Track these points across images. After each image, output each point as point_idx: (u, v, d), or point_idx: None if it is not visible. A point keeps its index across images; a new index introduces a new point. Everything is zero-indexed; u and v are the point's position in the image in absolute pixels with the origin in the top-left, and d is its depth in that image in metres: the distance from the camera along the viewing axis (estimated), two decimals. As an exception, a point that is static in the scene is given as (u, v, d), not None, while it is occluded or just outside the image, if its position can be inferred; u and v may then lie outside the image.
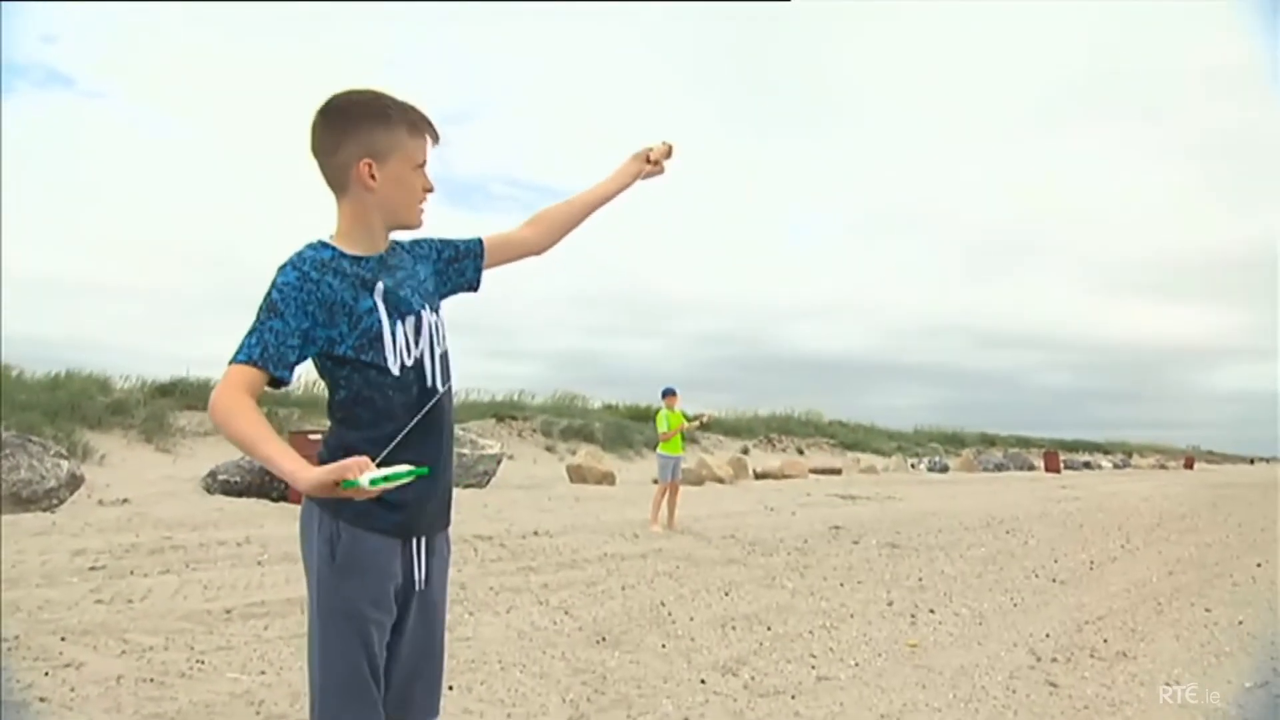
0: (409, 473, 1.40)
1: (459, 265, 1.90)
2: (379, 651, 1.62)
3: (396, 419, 1.63)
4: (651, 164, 2.15)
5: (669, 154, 2.18)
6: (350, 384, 1.64)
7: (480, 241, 1.94)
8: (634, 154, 2.15)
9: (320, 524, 1.60)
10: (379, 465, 1.44)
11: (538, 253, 2.06)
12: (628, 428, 22.37)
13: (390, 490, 1.40)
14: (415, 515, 1.67)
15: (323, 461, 1.63)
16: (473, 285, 1.94)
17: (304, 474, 1.40)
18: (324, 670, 1.60)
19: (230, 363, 1.53)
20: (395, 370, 1.65)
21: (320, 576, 1.60)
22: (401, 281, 1.71)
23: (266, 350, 1.53)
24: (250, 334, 1.54)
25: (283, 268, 1.60)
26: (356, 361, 1.62)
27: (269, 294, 1.57)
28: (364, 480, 1.35)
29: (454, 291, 1.90)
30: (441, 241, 1.89)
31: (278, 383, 1.56)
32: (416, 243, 1.84)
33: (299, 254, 1.63)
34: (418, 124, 1.70)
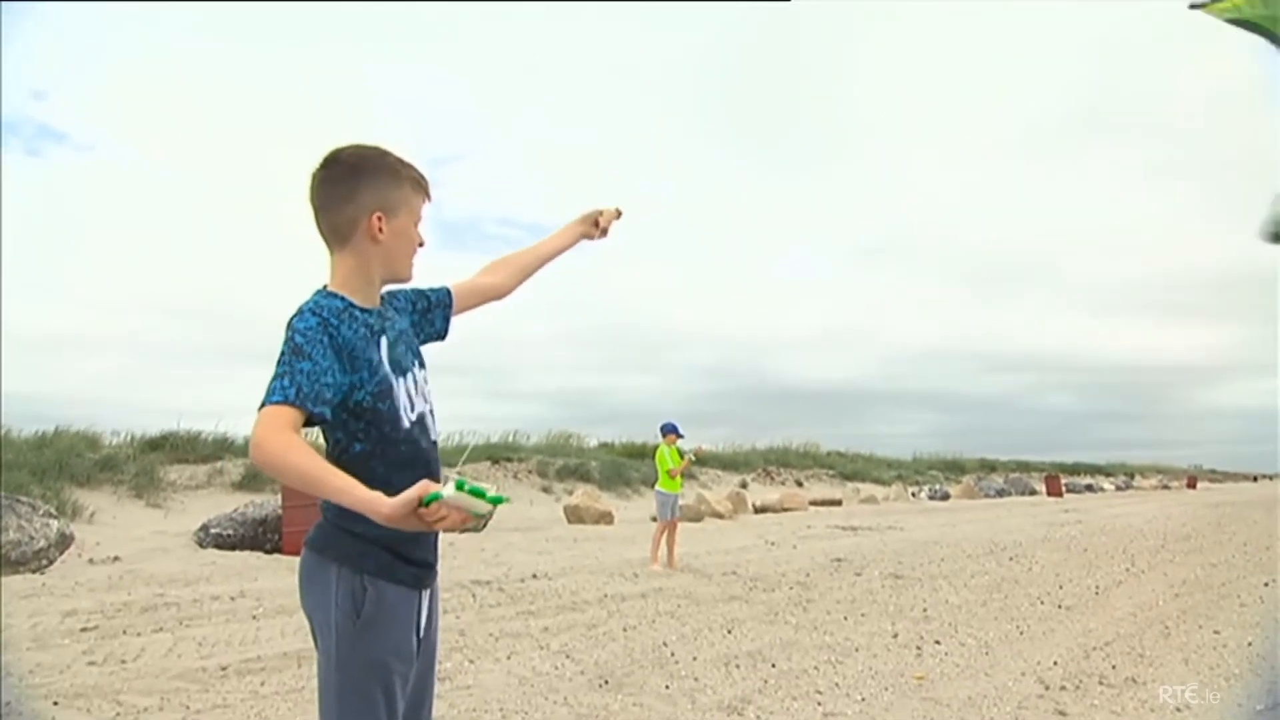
0: (489, 496, 1.34)
1: (430, 316, 1.93)
2: (399, 703, 1.61)
3: (405, 473, 1.61)
4: (600, 231, 2.26)
5: (617, 217, 2.29)
6: (368, 436, 1.62)
7: (448, 291, 1.98)
8: (583, 215, 2.26)
9: (339, 578, 1.58)
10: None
11: (501, 297, 2.12)
12: (624, 466, 22.23)
13: (475, 510, 1.33)
14: (428, 566, 1.70)
15: (328, 516, 1.63)
16: (441, 335, 1.96)
17: (384, 501, 1.34)
18: None
19: (262, 406, 1.47)
20: (406, 423, 1.66)
21: (341, 631, 1.57)
22: (396, 339, 1.73)
23: (301, 390, 1.48)
24: (279, 377, 1.49)
25: (300, 314, 1.58)
26: (374, 411, 1.62)
27: (290, 339, 1.54)
28: (447, 491, 1.30)
29: (425, 341, 1.92)
30: (415, 292, 1.91)
31: (311, 422, 1.52)
32: (393, 294, 1.86)
33: (314, 302, 1.62)
34: (419, 181, 1.75)
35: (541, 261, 2.19)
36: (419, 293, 1.92)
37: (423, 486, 1.32)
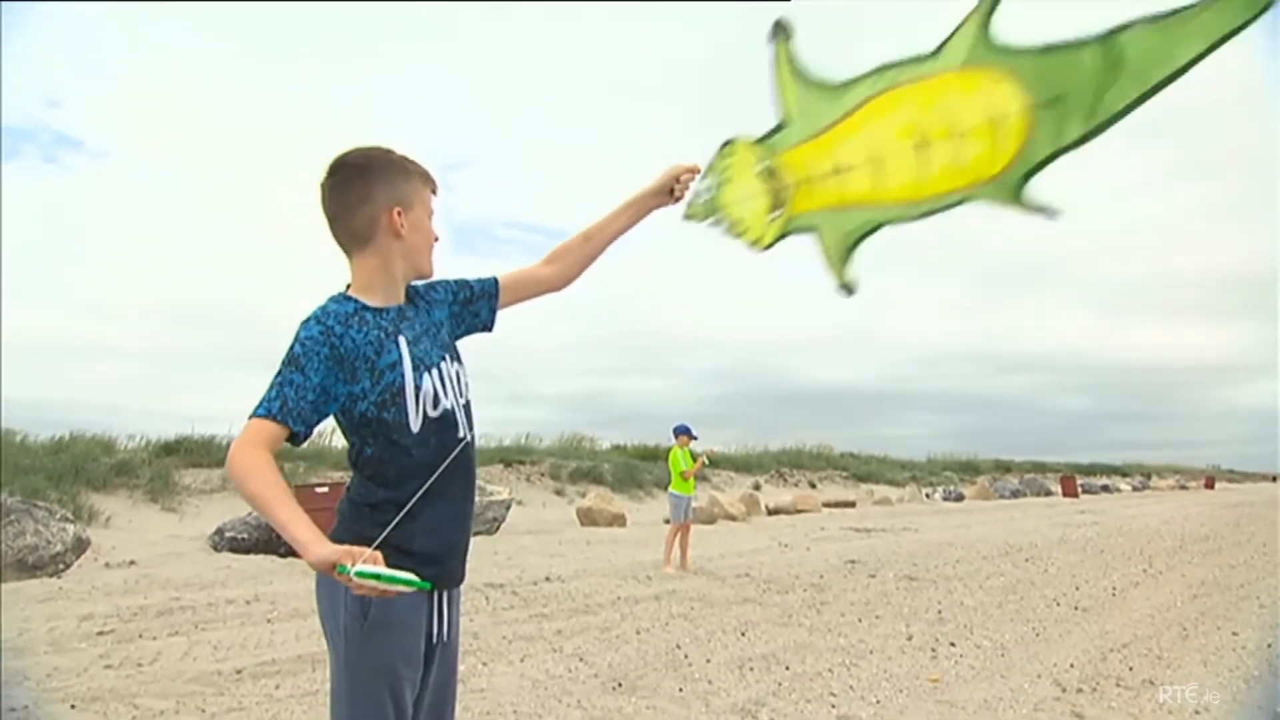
0: (406, 580, 1.37)
1: (474, 307, 1.90)
2: (408, 708, 1.61)
3: (423, 474, 1.63)
4: (674, 198, 2.08)
5: (693, 175, 2.09)
6: (376, 442, 1.63)
7: (495, 281, 1.95)
8: (657, 184, 2.06)
9: None
10: (405, 516, 1.46)
11: (558, 289, 2.05)
12: (637, 468, 22.20)
13: (377, 588, 1.36)
14: (445, 570, 1.68)
15: (341, 513, 1.65)
16: (487, 326, 1.94)
17: (315, 547, 1.39)
18: None
19: (250, 416, 1.53)
20: (416, 427, 1.65)
21: (350, 635, 1.57)
22: (419, 335, 1.72)
23: (286, 404, 1.53)
24: (271, 387, 1.54)
25: (306, 321, 1.60)
26: (379, 420, 1.62)
27: (291, 347, 1.57)
28: (352, 571, 1.33)
29: (469, 333, 1.90)
30: (457, 283, 1.90)
31: (296, 438, 1.55)
32: (432, 286, 1.85)
33: (323, 308, 1.63)
34: (426, 175, 1.76)
35: (607, 244, 2.07)
36: (462, 283, 1.91)
37: (342, 553, 1.35)
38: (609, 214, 2.07)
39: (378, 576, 1.34)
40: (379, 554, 1.37)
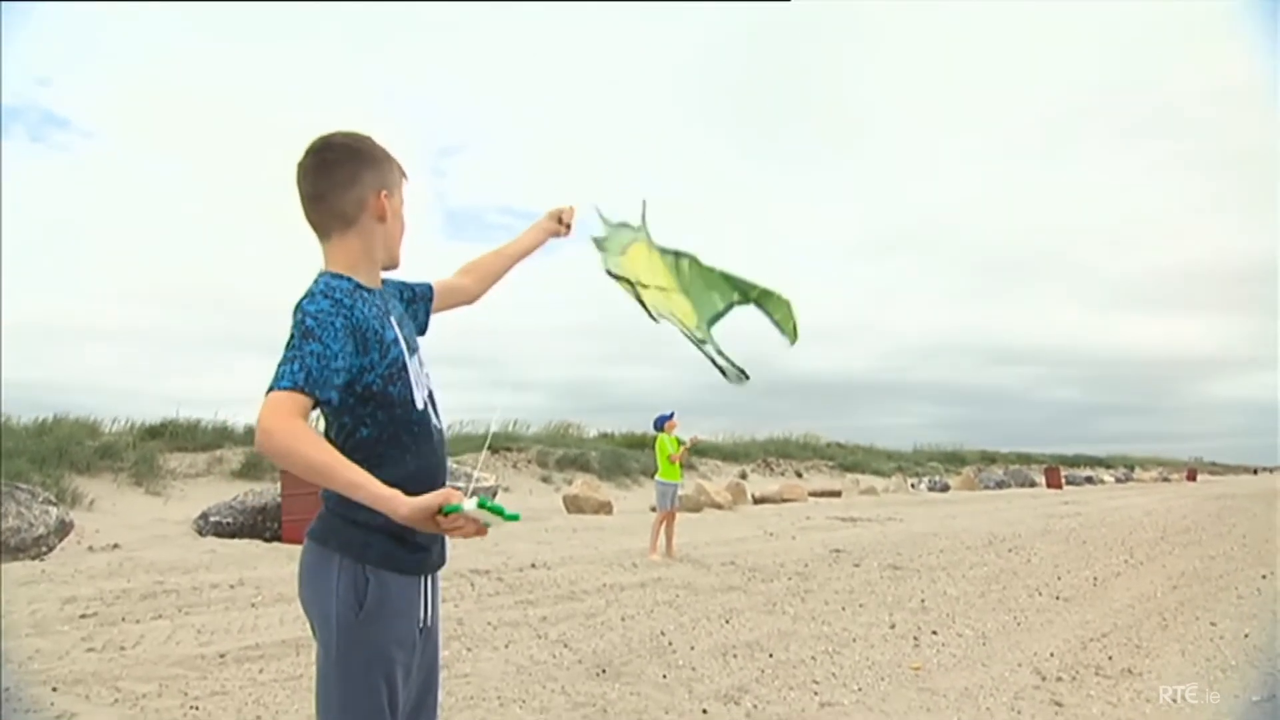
0: (506, 514, 1.35)
1: (415, 308, 1.93)
2: (402, 693, 1.60)
3: (418, 456, 1.62)
4: (564, 226, 2.28)
5: (572, 216, 2.33)
6: (376, 420, 1.60)
7: (431, 287, 1.98)
8: (548, 213, 2.27)
9: (340, 569, 1.56)
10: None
11: (472, 301, 2.13)
12: (624, 456, 22.26)
13: (487, 520, 1.35)
14: (431, 553, 1.68)
15: (330, 506, 1.61)
16: (422, 329, 1.94)
17: (403, 501, 1.34)
18: (345, 716, 1.55)
19: (269, 391, 1.43)
20: (419, 404, 1.65)
21: (343, 623, 1.54)
22: (400, 318, 1.74)
23: (310, 375, 1.45)
24: (288, 362, 1.45)
25: (310, 297, 1.55)
26: (383, 395, 1.60)
27: (301, 322, 1.50)
28: (469, 505, 1.29)
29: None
30: (401, 283, 1.91)
31: (319, 408, 1.51)
32: (386, 282, 1.85)
33: (324, 283, 1.59)
34: (402, 167, 1.76)
35: (511, 263, 2.21)
36: (404, 284, 1.92)
37: (445, 494, 1.34)
38: (516, 237, 2.25)
39: (490, 507, 1.31)
40: (458, 491, 1.36)
